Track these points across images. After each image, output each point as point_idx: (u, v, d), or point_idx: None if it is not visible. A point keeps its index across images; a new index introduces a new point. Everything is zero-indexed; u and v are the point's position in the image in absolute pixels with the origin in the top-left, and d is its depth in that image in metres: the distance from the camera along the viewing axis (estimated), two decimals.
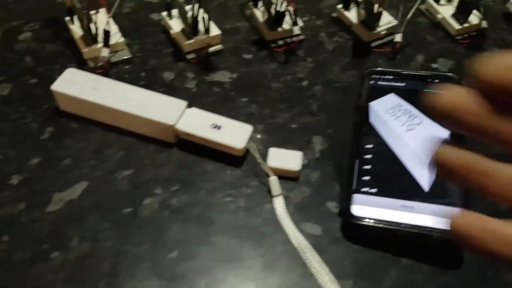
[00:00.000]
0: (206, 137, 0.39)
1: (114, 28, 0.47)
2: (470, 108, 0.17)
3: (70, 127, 0.41)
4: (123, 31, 0.48)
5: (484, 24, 0.51)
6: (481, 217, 0.17)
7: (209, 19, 0.46)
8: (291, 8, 0.48)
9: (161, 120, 0.39)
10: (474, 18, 0.52)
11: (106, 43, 0.44)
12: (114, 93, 0.40)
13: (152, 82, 0.46)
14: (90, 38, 0.45)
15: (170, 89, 0.45)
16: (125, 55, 0.47)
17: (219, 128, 0.40)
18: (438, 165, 0.18)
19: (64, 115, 0.42)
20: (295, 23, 0.49)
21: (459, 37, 0.52)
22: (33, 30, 0.51)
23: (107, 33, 0.44)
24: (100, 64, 0.45)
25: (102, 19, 0.45)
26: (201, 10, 0.46)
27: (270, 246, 0.35)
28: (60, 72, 0.42)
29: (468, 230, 0.17)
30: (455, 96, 0.17)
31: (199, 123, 0.40)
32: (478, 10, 0.51)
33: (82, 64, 0.46)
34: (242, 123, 0.40)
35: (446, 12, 0.53)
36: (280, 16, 0.48)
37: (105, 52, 0.44)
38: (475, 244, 0.17)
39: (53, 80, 0.41)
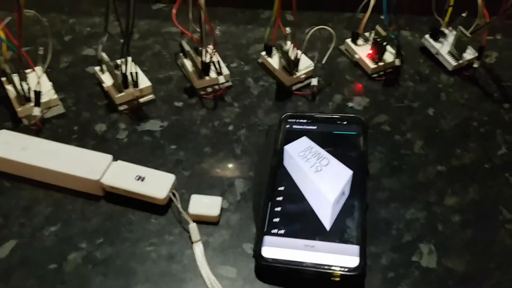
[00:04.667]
0: (130, 189, 0.40)
1: (48, 85, 0.47)
2: None
3: (2, 185, 0.42)
4: (60, 85, 0.49)
5: (398, 62, 0.53)
6: None
7: (137, 74, 0.47)
8: (215, 59, 0.50)
9: (87, 176, 0.40)
10: (389, 56, 0.54)
11: (37, 103, 0.45)
12: (42, 152, 0.41)
13: (84, 135, 0.46)
14: (23, 97, 0.45)
15: (101, 141, 0.46)
16: (59, 110, 0.47)
17: (142, 179, 0.40)
18: None
19: None
20: (219, 73, 0.50)
21: (375, 75, 0.54)
22: None
23: (37, 94, 0.44)
24: (33, 122, 0.45)
25: (36, 79, 0.46)
26: (131, 65, 0.47)
27: None
28: None
29: None
30: None
31: (123, 175, 0.41)
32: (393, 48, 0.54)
33: (17, 122, 0.46)
34: (165, 173, 0.41)
35: (362, 52, 0.55)
36: (206, 66, 0.50)
37: (36, 112, 0.44)
38: None
39: None
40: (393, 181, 0.44)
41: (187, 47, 0.49)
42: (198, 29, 0.47)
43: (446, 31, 0.56)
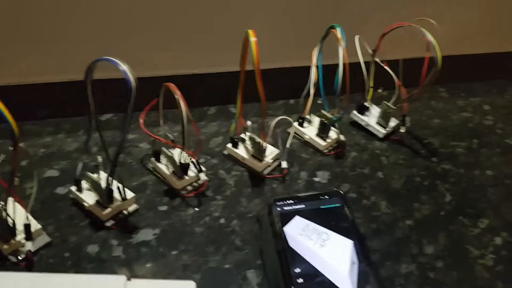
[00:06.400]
0: None
1: (28, 217, 0.44)
2: None
3: None
4: (33, 214, 0.46)
5: (342, 137, 0.61)
6: None
7: (124, 187, 0.47)
8: (194, 160, 0.52)
9: None
10: (333, 133, 0.62)
11: (28, 237, 0.41)
12: None
13: (79, 261, 0.43)
14: (8, 233, 0.41)
15: (99, 263, 0.44)
16: (44, 240, 0.44)
17: None
18: None
19: None
20: (200, 170, 0.52)
21: (326, 151, 0.62)
22: None
23: (27, 227, 0.41)
24: (23, 257, 0.41)
25: (15, 212, 0.43)
26: (114, 179, 0.47)
27: None
28: None
29: None
30: None
31: None
32: (335, 127, 0.62)
33: (3, 260, 0.42)
34: (183, 281, 0.41)
35: (310, 132, 0.62)
36: (186, 166, 0.51)
37: (29, 246, 0.41)
38: None
39: None
40: (377, 242, 0.49)
41: (169, 153, 0.50)
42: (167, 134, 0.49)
43: (368, 105, 0.66)
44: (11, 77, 0.62)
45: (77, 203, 0.48)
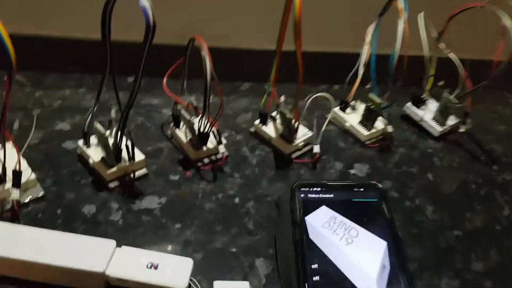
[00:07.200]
0: (143, 281, 0.33)
1: (23, 164, 0.40)
2: None
3: None
4: (33, 163, 0.42)
5: (390, 128, 0.54)
6: None
7: (133, 146, 0.42)
8: (214, 129, 0.47)
9: (88, 268, 0.33)
10: (380, 123, 0.55)
11: (16, 184, 0.37)
12: (26, 243, 0.33)
13: (70, 220, 0.39)
14: None
15: (93, 225, 0.39)
16: (37, 192, 0.40)
17: (156, 267, 0.34)
18: None
19: None
20: (219, 142, 0.47)
21: (368, 142, 0.54)
22: None
23: (17, 174, 0.37)
24: (9, 207, 0.37)
25: (9, 156, 0.39)
26: (124, 137, 0.42)
27: None
28: None
29: None
30: None
31: (132, 264, 0.34)
32: (383, 116, 0.54)
33: None
34: (181, 258, 0.35)
35: (353, 120, 0.55)
36: (205, 136, 0.46)
37: (15, 194, 0.37)
38: None
39: None
40: (417, 250, 0.42)
41: (187, 116, 0.45)
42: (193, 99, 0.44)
43: (427, 98, 0.58)
44: (44, 28, 0.59)
45: (83, 159, 0.44)
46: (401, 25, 0.46)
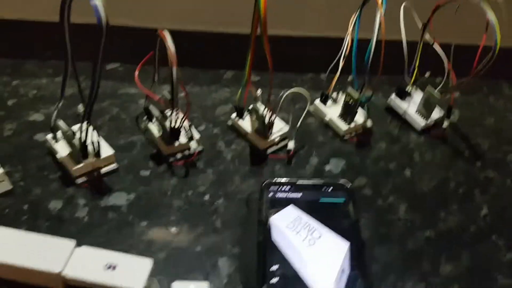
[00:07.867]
0: (99, 282, 0.33)
1: None
2: None
3: None
4: (3, 156, 0.42)
5: (369, 123, 0.53)
6: None
7: (99, 143, 0.42)
8: (186, 124, 0.46)
9: (44, 269, 0.33)
10: (360, 117, 0.54)
11: None
12: None
13: (36, 216, 0.39)
14: None
15: (57, 222, 0.39)
16: (5, 187, 0.41)
17: (114, 268, 0.34)
18: None
19: None
20: (191, 138, 0.46)
21: (347, 136, 0.53)
22: None
23: None
24: None
25: None
26: (91, 132, 0.42)
27: None
28: None
29: None
30: None
31: (90, 265, 0.34)
32: (363, 109, 0.53)
33: None
34: (140, 258, 0.35)
35: (333, 113, 0.54)
36: (176, 131, 0.46)
37: None
38: None
39: None
40: (384, 251, 0.41)
41: (156, 112, 0.44)
42: (167, 92, 0.43)
43: (412, 90, 0.56)
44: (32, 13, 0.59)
45: (53, 154, 0.44)
46: (378, 16, 0.45)
